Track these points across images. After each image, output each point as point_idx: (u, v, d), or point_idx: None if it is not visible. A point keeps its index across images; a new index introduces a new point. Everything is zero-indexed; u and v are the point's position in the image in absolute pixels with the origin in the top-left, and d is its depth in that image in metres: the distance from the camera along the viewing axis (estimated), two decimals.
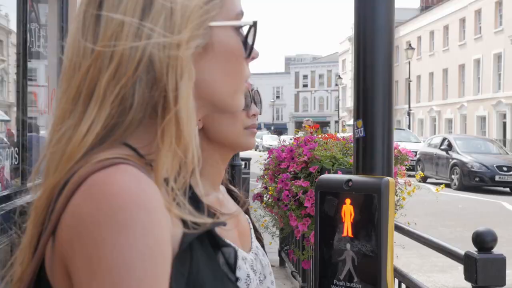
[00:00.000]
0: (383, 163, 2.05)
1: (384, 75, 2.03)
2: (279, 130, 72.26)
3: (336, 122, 61.73)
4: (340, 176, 2.13)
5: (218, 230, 0.83)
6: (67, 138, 0.76)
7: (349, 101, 57.65)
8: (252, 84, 1.40)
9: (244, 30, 0.87)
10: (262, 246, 1.56)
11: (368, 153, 2.06)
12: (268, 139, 43.98)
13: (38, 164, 0.81)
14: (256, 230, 1.52)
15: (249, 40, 0.86)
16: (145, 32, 0.75)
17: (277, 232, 5.70)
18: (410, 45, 35.21)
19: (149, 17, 0.76)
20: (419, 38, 44.81)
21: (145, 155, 0.77)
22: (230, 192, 1.52)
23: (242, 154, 13.96)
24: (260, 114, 1.44)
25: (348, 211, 1.96)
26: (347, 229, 1.96)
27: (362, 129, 2.04)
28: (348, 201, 1.95)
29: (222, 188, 1.48)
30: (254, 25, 0.86)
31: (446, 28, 40.90)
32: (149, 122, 0.77)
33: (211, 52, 0.82)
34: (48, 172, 0.77)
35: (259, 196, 5.29)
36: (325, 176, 2.11)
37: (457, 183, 17.89)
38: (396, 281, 2.50)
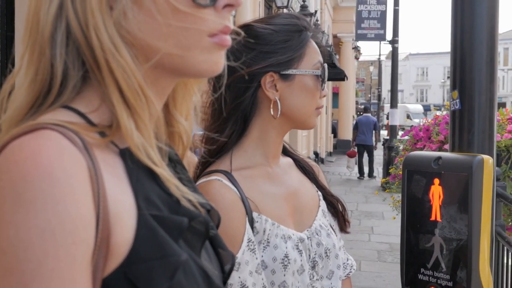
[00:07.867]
0: (482, 139, 1.78)
1: (483, 36, 1.75)
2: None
3: None
4: (429, 153, 1.89)
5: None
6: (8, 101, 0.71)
7: None
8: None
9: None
10: (345, 224, 1.42)
11: (464, 128, 1.80)
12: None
13: None
14: (338, 211, 1.43)
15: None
16: None
17: None
18: None
19: None
20: None
21: (97, 121, 0.69)
22: (302, 167, 1.44)
23: None
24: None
25: (436, 192, 1.74)
26: (435, 213, 1.74)
27: (457, 100, 1.79)
28: (436, 181, 1.73)
29: (286, 161, 1.41)
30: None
31: None
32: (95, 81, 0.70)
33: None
34: None
35: (395, 177, 5.02)
36: (414, 153, 1.88)
37: None
38: None
